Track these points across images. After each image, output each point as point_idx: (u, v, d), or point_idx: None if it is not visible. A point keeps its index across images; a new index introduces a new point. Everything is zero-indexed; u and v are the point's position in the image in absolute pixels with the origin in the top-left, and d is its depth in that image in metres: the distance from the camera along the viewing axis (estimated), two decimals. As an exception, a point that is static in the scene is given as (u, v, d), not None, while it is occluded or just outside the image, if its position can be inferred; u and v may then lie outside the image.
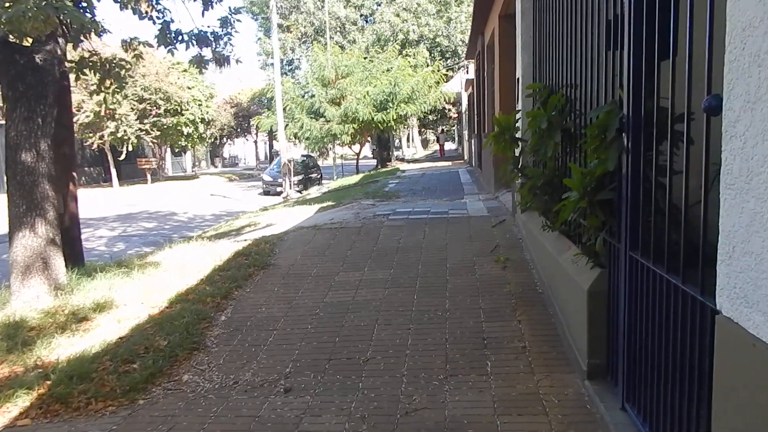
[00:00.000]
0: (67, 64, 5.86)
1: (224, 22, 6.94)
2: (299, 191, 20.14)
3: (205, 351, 3.64)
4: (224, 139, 41.30)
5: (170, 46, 7.04)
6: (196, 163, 40.14)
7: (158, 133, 24.52)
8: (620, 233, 2.70)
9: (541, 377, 3.08)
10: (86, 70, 5.93)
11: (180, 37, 6.82)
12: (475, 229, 6.20)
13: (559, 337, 3.53)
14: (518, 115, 5.68)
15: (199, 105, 27.21)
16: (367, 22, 33.82)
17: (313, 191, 18.83)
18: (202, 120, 27.77)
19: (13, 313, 4.28)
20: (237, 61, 7.53)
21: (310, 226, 6.81)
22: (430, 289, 4.47)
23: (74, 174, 6.26)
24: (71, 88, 6.33)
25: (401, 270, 4.96)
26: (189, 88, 26.67)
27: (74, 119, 21.93)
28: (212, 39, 7.21)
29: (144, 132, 23.69)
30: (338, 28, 32.20)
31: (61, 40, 4.92)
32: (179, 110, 25.40)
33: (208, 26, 6.92)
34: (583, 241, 3.29)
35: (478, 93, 15.15)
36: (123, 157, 24.12)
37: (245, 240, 6.42)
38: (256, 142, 44.19)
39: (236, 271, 5.06)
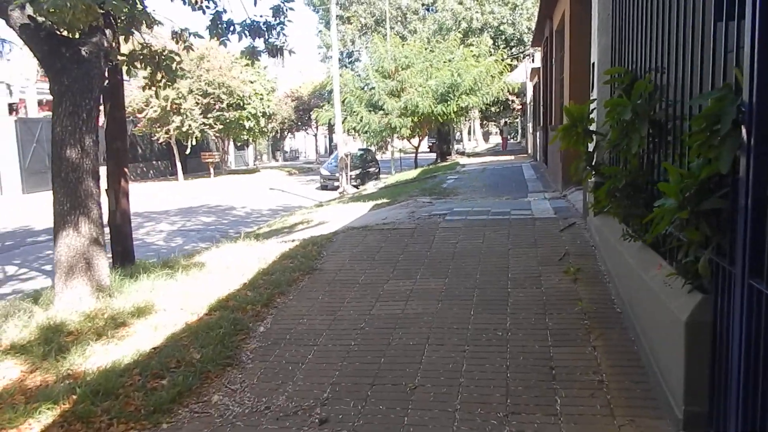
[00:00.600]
0: (119, 57, 5.77)
1: (277, 11, 6.68)
2: (356, 186, 19.93)
3: (239, 367, 3.34)
4: (285, 132, 41.93)
5: (223, 38, 6.87)
6: (258, 157, 41.01)
7: (221, 127, 25.06)
8: (735, 254, 2.11)
9: (624, 422, 2.54)
10: (137, 63, 5.82)
11: (232, 28, 6.62)
12: (540, 232, 5.61)
13: (645, 371, 2.95)
14: (593, 105, 5.03)
15: (261, 99, 27.59)
16: (428, 11, 33.12)
17: (370, 186, 18.56)
18: (264, 114, 28.16)
19: (55, 315, 4.18)
20: (290, 51, 7.26)
21: (361, 226, 6.45)
22: (490, 303, 3.98)
23: (126, 169, 6.20)
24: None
25: (457, 279, 4.48)
26: (251, 82, 27.08)
27: (143, 114, 22.87)
28: (265, 29, 6.99)
29: (207, 126, 24.27)
30: (399, 18, 31.70)
31: (108, 31, 4.77)
32: (241, 104, 25.84)
33: (261, 16, 6.65)
34: (677, 258, 2.70)
35: (545, 82, 14.26)
36: (188, 151, 24.83)
37: (293, 240, 6.15)
38: (315, 135, 44.61)
39: (280, 276, 4.76)
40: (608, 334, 3.41)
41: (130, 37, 5.58)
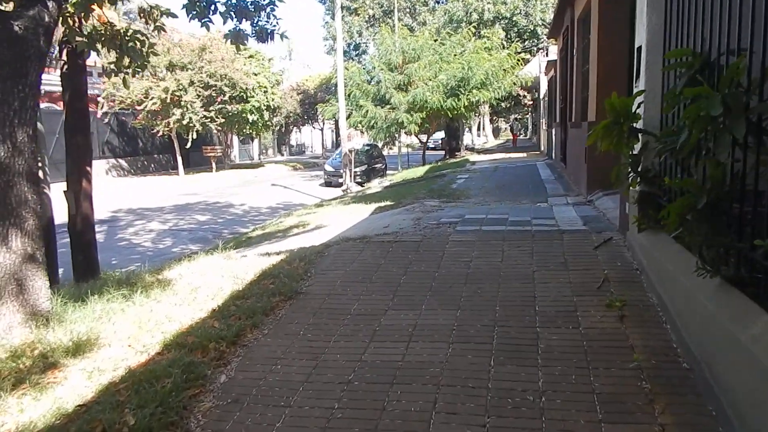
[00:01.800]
0: (77, 38, 4.94)
1: (266, -12, 5.82)
2: (360, 183, 19.06)
3: (180, 442, 2.50)
4: (291, 126, 41.07)
5: (204, 19, 6.05)
6: (263, 151, 40.20)
7: (223, 120, 24.23)
8: None
9: None
10: (99, 46, 4.98)
11: (213, 7, 5.77)
12: (570, 249, 4.73)
13: (743, 472, 2.08)
14: (639, 99, 4.14)
15: (265, 92, 26.73)
16: (438, 3, 32.13)
17: (375, 184, 17.69)
18: (268, 107, 27.30)
19: (-28, 351, 3.36)
20: (282, 36, 6.41)
21: (359, 236, 5.58)
22: (515, 349, 3.11)
23: (88, 168, 5.38)
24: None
25: (471, 312, 3.61)
26: (255, 75, 26.22)
27: (142, 106, 22.07)
28: (252, 9, 6.14)
29: (209, 119, 23.44)
30: (408, 10, 30.71)
31: (51, 3, 3.92)
32: (245, 97, 24.99)
33: (248, -6, 5.81)
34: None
35: (564, 75, 13.31)
36: (189, 144, 24.02)
37: (279, 253, 5.29)
38: (322, 129, 43.82)
39: (256, 301, 3.92)
40: (679, 405, 2.53)
41: (89, 14, 4.74)
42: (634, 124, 4.05)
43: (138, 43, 5.07)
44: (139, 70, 5.38)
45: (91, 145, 5.56)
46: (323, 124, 40.62)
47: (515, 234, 5.25)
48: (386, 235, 5.51)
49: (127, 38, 4.96)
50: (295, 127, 42.74)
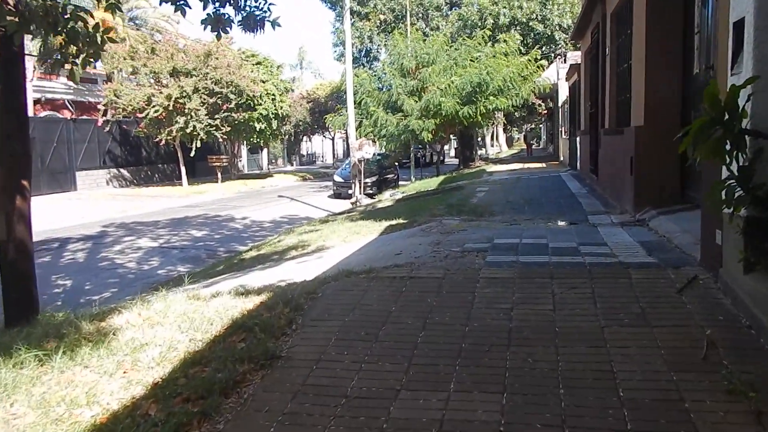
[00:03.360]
0: (8, 18, 3.91)
1: (251, -36, 4.82)
2: (371, 195, 17.99)
3: None
4: (301, 135, 40.24)
5: (180, 2, 5.10)
6: (273, 161, 39.35)
7: (229, 128, 23.32)
8: None
9: None
10: (34, 28, 3.95)
11: (189, -15, 4.77)
12: (644, 292, 3.55)
13: None
14: (747, 90, 2.99)
15: (273, 100, 25.85)
16: (452, 9, 31.17)
17: (386, 196, 16.60)
18: (276, 115, 26.40)
19: None
20: (273, 23, 5.39)
21: (363, 269, 4.44)
22: (602, 476, 1.96)
23: (26, 182, 4.33)
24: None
25: (524, 398, 2.46)
26: (263, 82, 25.36)
27: (143, 113, 21.25)
28: (237, -10, 5.13)
29: (214, 128, 22.51)
30: (421, 14, 29.78)
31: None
32: (252, 105, 24.10)
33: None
34: None
35: (592, 78, 12.15)
36: (193, 153, 23.11)
37: (260, 292, 4.17)
38: (333, 138, 43.01)
39: (216, 371, 2.80)
40: None
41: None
42: (743, 124, 2.93)
43: (86, 26, 4.02)
44: (91, 60, 4.34)
45: (30, 153, 4.52)
46: (334, 133, 39.79)
47: (565, 268, 4.08)
48: (398, 268, 4.37)
49: (66, 17, 3.91)
50: (305, 136, 41.96)
